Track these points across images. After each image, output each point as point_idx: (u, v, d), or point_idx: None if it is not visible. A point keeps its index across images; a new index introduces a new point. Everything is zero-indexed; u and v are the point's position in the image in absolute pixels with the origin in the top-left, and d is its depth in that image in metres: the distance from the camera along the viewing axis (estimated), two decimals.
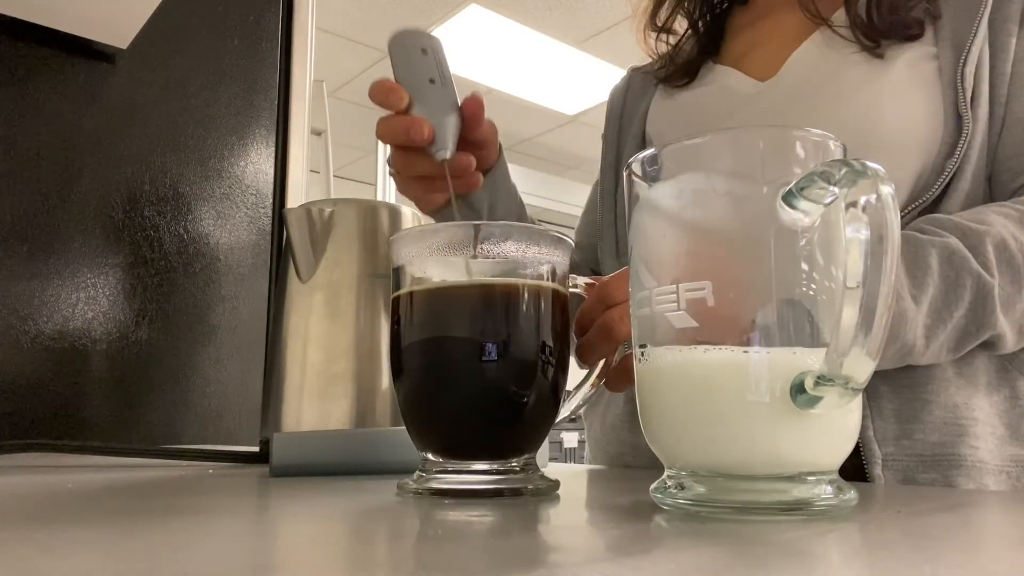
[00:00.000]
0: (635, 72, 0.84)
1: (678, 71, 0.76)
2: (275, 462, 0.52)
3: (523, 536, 0.30)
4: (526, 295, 0.41)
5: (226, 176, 1.12)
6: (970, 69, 0.58)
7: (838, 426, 0.32)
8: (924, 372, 0.56)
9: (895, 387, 0.57)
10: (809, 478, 0.32)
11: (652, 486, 0.35)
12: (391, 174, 0.65)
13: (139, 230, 1.03)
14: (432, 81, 0.59)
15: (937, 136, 0.59)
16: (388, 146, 0.63)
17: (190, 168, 1.08)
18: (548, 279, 0.42)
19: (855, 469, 0.56)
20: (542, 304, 0.42)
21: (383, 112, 0.61)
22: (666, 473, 0.35)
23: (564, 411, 0.46)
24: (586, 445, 0.81)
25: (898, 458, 0.56)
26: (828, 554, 0.26)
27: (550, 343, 0.42)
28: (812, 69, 0.65)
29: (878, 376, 0.55)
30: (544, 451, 0.53)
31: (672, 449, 0.35)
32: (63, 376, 0.95)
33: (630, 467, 0.70)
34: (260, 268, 1.13)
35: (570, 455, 4.72)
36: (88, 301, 0.97)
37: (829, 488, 0.32)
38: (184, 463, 0.63)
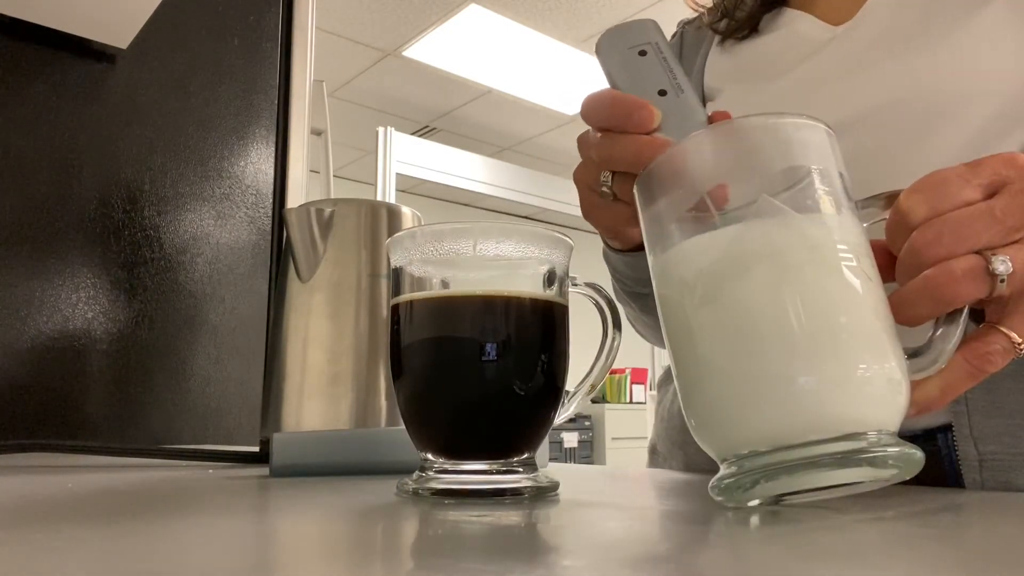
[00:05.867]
0: (687, 26, 0.76)
1: (739, 25, 0.67)
2: (275, 462, 0.52)
3: (523, 536, 0.30)
4: (526, 297, 0.41)
5: (226, 176, 1.12)
6: None
7: (877, 375, 0.32)
8: None
9: (996, 376, 0.46)
10: (871, 434, 0.31)
11: (711, 484, 0.34)
12: (603, 190, 0.45)
13: (139, 230, 1.03)
14: (663, 93, 0.44)
15: None
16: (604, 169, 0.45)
17: (190, 168, 1.08)
18: (548, 280, 0.42)
19: (944, 476, 0.50)
20: (542, 305, 0.42)
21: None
22: (723, 469, 0.34)
23: (564, 412, 0.45)
24: (654, 419, 0.75)
25: (1000, 457, 0.48)
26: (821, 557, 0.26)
27: (550, 343, 0.42)
28: (896, 8, 0.57)
29: None
30: (544, 451, 0.53)
31: (725, 435, 0.34)
32: (63, 376, 0.95)
33: (689, 465, 0.65)
34: (260, 268, 1.13)
35: (570, 455, 4.72)
36: (88, 301, 0.97)
37: (888, 439, 0.31)
38: (184, 463, 0.63)
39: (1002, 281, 0.33)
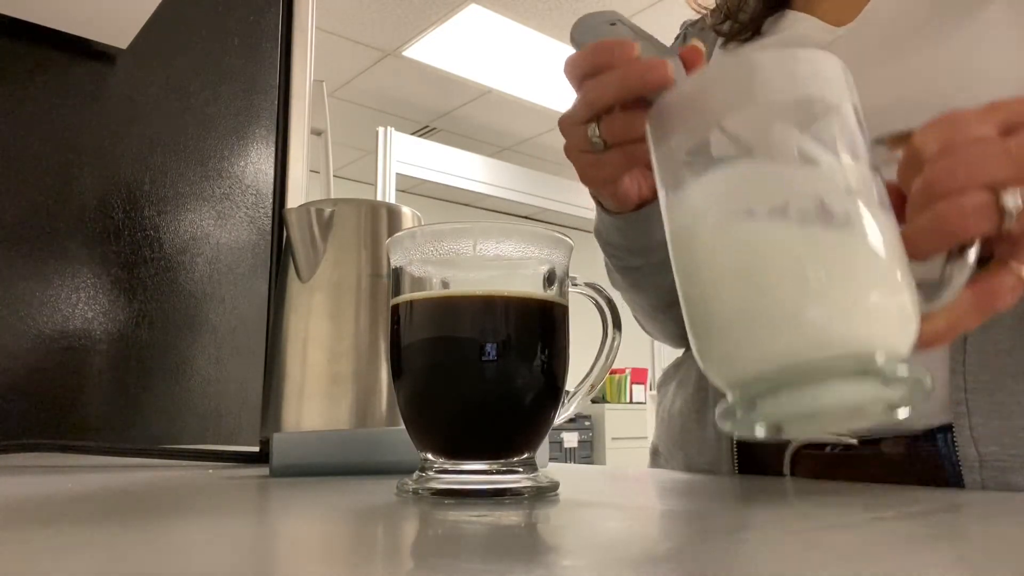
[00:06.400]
0: (691, 28, 0.77)
1: (742, 27, 0.68)
2: (275, 462, 0.52)
3: (523, 536, 0.30)
4: (526, 297, 0.41)
5: (226, 176, 1.12)
6: None
7: (888, 306, 0.32)
8: None
9: (997, 376, 0.49)
10: (879, 354, 0.31)
11: (717, 413, 0.34)
12: (593, 141, 0.46)
13: (139, 230, 1.03)
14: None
15: None
16: (589, 121, 0.46)
17: (190, 168, 1.08)
18: (548, 280, 0.42)
19: (944, 476, 0.50)
20: (542, 305, 0.42)
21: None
22: (729, 397, 0.34)
23: (564, 412, 0.45)
24: (654, 420, 0.75)
25: (1000, 458, 0.48)
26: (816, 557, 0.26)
27: (550, 343, 0.42)
28: (898, 10, 0.57)
29: (977, 363, 0.49)
30: (544, 451, 0.53)
31: (733, 362, 0.34)
32: (63, 376, 0.95)
33: (691, 466, 0.65)
34: (260, 268, 1.13)
35: (570, 455, 4.72)
36: (88, 301, 0.97)
37: (898, 359, 0.31)
38: (184, 463, 0.63)
39: (1011, 216, 0.33)
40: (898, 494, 0.42)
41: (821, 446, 0.55)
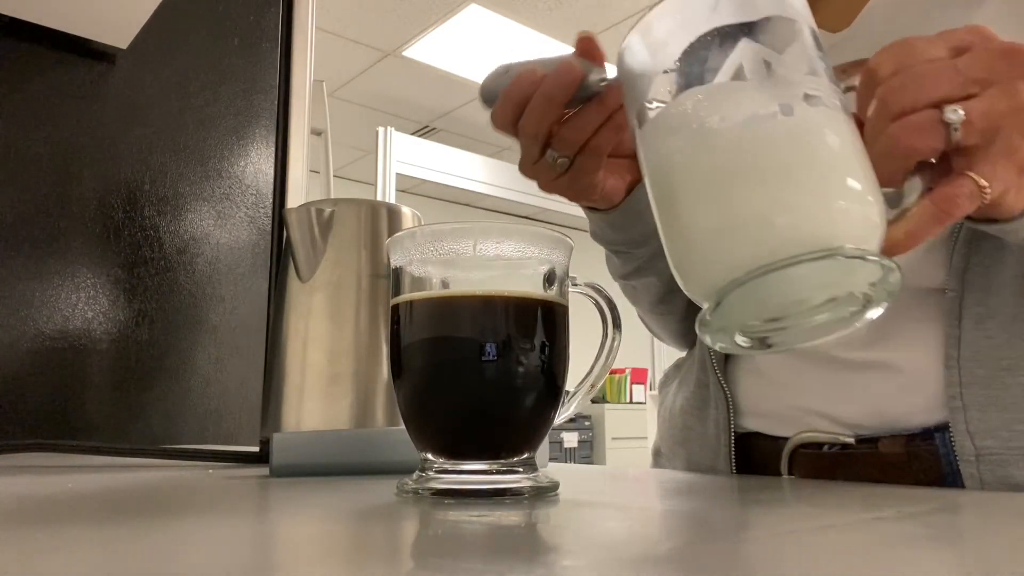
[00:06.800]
0: None
1: None
2: (275, 462, 0.52)
3: (523, 536, 0.30)
4: (526, 297, 0.41)
5: (226, 176, 1.12)
6: None
7: (855, 212, 0.32)
8: None
9: (992, 371, 0.49)
10: (848, 246, 0.32)
11: (696, 325, 0.34)
12: (559, 163, 0.48)
13: (139, 230, 1.03)
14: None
15: None
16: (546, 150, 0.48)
17: (190, 168, 1.08)
18: (548, 280, 0.42)
19: (943, 476, 0.50)
20: (542, 305, 0.42)
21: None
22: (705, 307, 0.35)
23: (564, 412, 0.45)
24: (654, 420, 0.78)
25: (996, 452, 0.49)
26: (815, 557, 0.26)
27: (550, 343, 0.42)
28: (893, 13, 0.57)
29: (971, 358, 0.50)
30: (544, 451, 0.53)
31: (707, 272, 0.35)
32: (63, 376, 0.95)
33: (692, 464, 0.66)
34: (260, 268, 1.13)
35: (570, 455, 4.72)
36: (88, 301, 0.97)
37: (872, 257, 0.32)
38: (184, 463, 0.63)
39: (956, 130, 0.34)
40: (897, 494, 0.42)
41: (819, 446, 0.55)
